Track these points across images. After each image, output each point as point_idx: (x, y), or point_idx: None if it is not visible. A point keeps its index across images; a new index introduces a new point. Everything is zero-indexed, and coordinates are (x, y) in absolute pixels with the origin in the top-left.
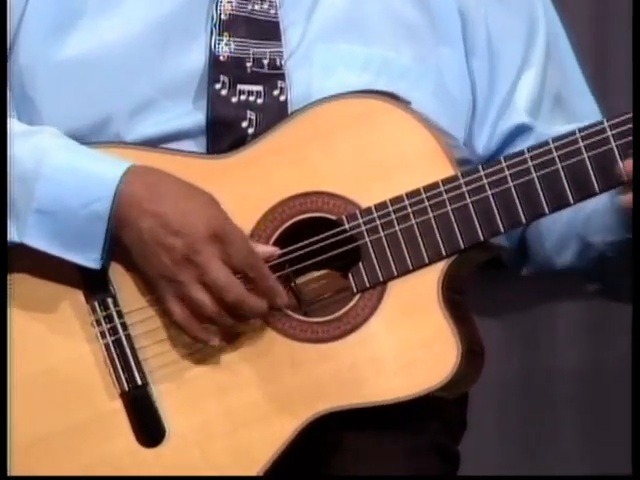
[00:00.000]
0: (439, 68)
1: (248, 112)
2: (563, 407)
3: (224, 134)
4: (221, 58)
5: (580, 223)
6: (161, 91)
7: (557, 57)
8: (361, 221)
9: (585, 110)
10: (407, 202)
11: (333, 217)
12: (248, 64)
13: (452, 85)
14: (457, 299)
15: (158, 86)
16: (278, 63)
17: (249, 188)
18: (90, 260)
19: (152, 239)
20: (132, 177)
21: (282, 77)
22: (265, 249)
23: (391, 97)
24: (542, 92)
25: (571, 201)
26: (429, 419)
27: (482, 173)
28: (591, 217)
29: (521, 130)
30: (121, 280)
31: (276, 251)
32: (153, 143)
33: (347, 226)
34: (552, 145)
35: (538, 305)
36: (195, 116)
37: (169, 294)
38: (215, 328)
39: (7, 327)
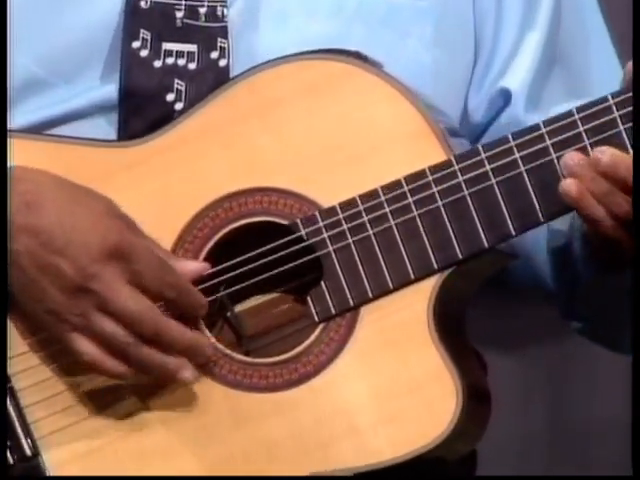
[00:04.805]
0: (441, 5)
1: (176, 81)
2: (602, 471)
3: (142, 111)
4: (142, 4)
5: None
6: (58, 51)
7: (570, 10)
8: (322, 225)
9: (597, 80)
10: (383, 198)
11: (284, 222)
12: (178, 14)
13: (455, 31)
14: (455, 328)
15: (53, 46)
16: (219, 13)
17: (170, 185)
18: None
19: (31, 263)
20: None
21: (224, 33)
22: (190, 266)
23: (357, 57)
24: (548, 53)
25: None
26: None
27: (483, 156)
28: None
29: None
30: None
31: (206, 268)
32: (46, 125)
33: (303, 233)
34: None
35: (568, 335)
36: (104, 87)
37: (66, 331)
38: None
39: (7, 327)
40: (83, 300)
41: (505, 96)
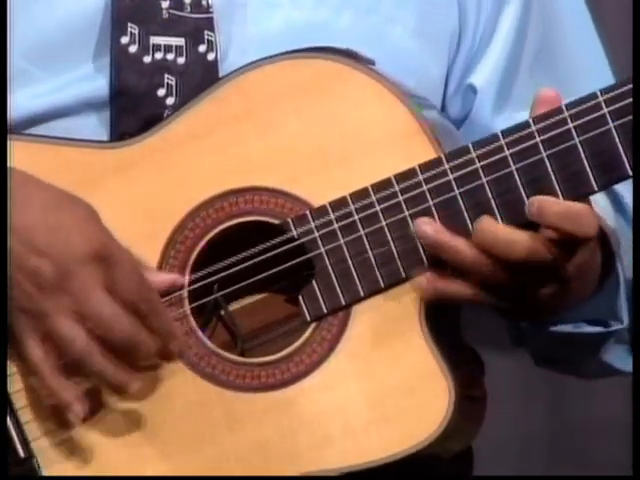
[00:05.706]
0: None
1: (166, 76)
2: (602, 471)
3: (134, 108)
4: None
5: None
6: (40, 41)
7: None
8: (313, 225)
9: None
10: (374, 197)
11: (275, 221)
12: (164, 4)
13: (438, 23)
14: (448, 326)
15: (35, 35)
16: (205, 3)
17: (161, 186)
18: None
19: (12, 262)
20: None
21: (210, 25)
22: (163, 278)
23: (347, 55)
24: (520, 47)
25: (595, 187)
26: None
27: (474, 155)
28: None
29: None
30: None
31: (178, 279)
32: (36, 120)
33: (294, 232)
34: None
35: None
36: (93, 82)
37: (27, 331)
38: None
39: (7, 327)
40: (57, 300)
41: (473, 93)
